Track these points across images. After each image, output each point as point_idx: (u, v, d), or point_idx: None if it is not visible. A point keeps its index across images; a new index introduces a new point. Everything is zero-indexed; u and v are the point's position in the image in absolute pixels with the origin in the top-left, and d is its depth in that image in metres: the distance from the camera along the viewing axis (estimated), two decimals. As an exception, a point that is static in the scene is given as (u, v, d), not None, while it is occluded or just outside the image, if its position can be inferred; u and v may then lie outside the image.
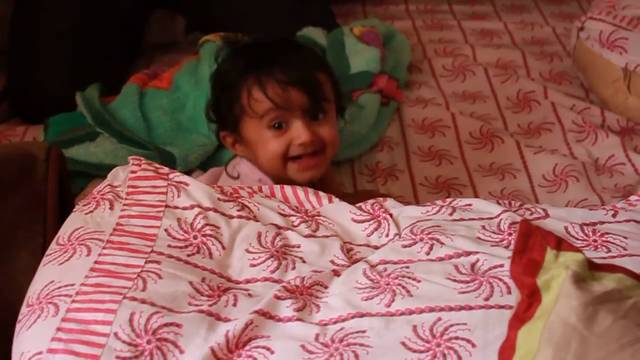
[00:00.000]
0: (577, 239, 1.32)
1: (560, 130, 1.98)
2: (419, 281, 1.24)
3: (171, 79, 1.99)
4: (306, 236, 1.37)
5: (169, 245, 1.31)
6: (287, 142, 1.54)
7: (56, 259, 1.28)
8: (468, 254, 1.28)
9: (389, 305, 1.21)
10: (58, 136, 1.92)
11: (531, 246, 1.07)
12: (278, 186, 1.47)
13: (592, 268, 1.05)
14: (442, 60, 2.26)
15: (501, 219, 1.36)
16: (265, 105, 1.53)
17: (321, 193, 1.47)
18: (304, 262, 1.33)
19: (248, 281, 1.30)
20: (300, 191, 1.46)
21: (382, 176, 1.89)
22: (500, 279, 1.23)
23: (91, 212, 1.36)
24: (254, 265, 1.32)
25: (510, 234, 1.32)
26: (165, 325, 1.18)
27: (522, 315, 1.05)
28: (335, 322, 1.20)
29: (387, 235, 1.39)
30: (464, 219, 1.38)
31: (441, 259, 1.29)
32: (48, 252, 1.31)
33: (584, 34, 2.11)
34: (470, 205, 1.42)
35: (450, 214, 1.39)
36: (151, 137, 1.90)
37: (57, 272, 1.26)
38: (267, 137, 1.55)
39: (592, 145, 1.94)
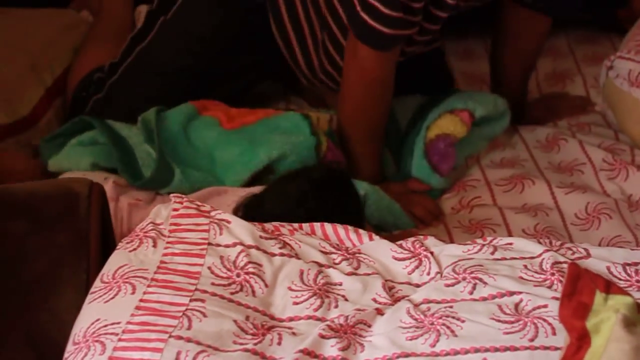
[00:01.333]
0: (620, 279, 1.32)
1: (592, 168, 1.99)
2: (463, 321, 1.24)
3: (241, 123, 1.94)
4: (348, 274, 1.38)
5: (213, 283, 1.32)
6: None
7: (101, 297, 1.29)
8: (511, 294, 1.29)
9: (433, 346, 1.21)
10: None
11: (580, 289, 1.07)
12: (318, 224, 1.48)
13: (642, 311, 1.06)
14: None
15: (543, 259, 1.36)
16: None
17: (361, 231, 1.48)
18: (346, 300, 1.34)
19: (291, 319, 1.30)
20: (340, 229, 1.47)
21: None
22: (544, 320, 1.23)
23: (135, 249, 1.37)
24: (297, 303, 1.32)
25: (552, 274, 1.33)
26: (212, 364, 1.18)
27: (571, 358, 1.06)
28: (380, 362, 1.21)
29: (428, 274, 1.39)
30: (505, 258, 1.38)
31: (485, 299, 1.29)
32: (93, 289, 1.32)
33: (613, 72, 2.11)
34: (511, 244, 1.42)
35: (492, 253, 1.40)
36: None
37: (103, 310, 1.27)
38: None
39: (624, 181, 1.94)
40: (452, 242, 1.80)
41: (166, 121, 1.93)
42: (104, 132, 1.93)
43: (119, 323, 1.23)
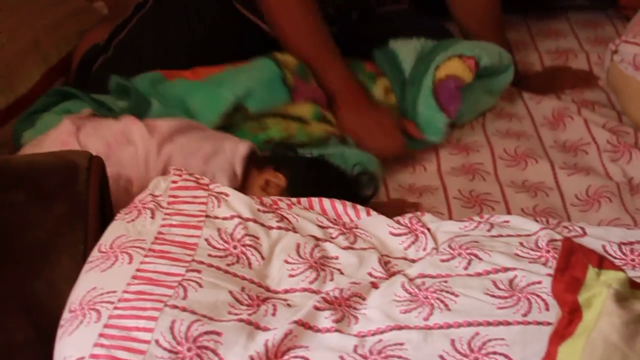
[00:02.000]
0: (616, 257, 1.33)
1: (596, 149, 1.99)
2: (457, 296, 1.25)
3: (207, 74, 1.94)
4: (344, 248, 1.39)
5: (210, 255, 1.32)
6: None
7: (98, 266, 1.30)
8: (506, 270, 1.29)
9: (427, 319, 1.22)
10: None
11: (573, 264, 1.07)
12: (316, 199, 1.49)
13: (634, 287, 1.06)
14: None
15: (539, 236, 1.37)
16: None
17: (359, 206, 1.48)
18: (342, 273, 1.34)
19: (287, 291, 1.31)
20: (338, 204, 1.48)
21: (416, 192, 1.90)
22: (538, 296, 1.23)
23: (133, 220, 1.38)
24: (293, 276, 1.33)
25: (548, 251, 1.33)
26: (206, 333, 1.19)
27: (562, 332, 1.06)
28: (373, 334, 1.21)
29: (424, 249, 1.40)
30: (502, 235, 1.39)
31: (479, 274, 1.30)
32: (90, 259, 1.33)
33: (617, 57, 2.11)
34: (508, 221, 1.43)
35: (488, 230, 1.40)
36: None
37: (100, 279, 1.27)
38: None
39: (627, 164, 1.94)
40: (450, 215, 1.81)
41: (137, 83, 1.94)
42: (85, 98, 1.93)
43: (115, 292, 1.24)
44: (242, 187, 1.68)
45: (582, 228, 1.40)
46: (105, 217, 1.49)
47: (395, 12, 2.33)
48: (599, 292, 1.05)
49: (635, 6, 2.34)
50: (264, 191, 1.67)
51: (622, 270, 1.07)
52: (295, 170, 1.70)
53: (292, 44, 2.00)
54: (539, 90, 2.25)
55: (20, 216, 1.43)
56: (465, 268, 1.31)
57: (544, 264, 1.31)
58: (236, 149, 1.71)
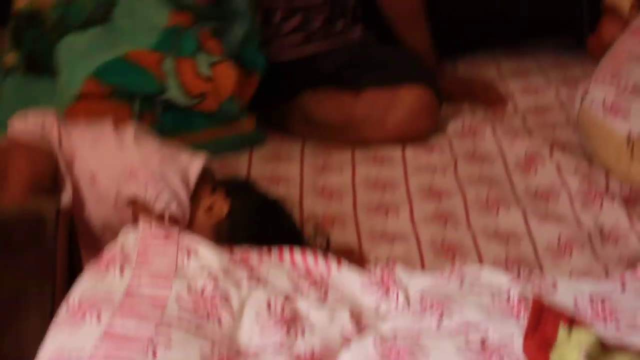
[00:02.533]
0: (587, 311, 1.32)
1: (567, 196, 1.99)
2: (429, 353, 1.24)
3: None
4: (315, 304, 1.38)
5: (179, 312, 1.31)
6: None
7: (66, 324, 1.28)
8: (478, 325, 1.29)
9: (399, 378, 1.21)
10: None
11: (544, 323, 1.07)
12: (287, 250, 1.48)
13: (604, 348, 1.06)
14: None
15: (510, 290, 1.36)
16: None
17: (330, 259, 1.47)
18: (313, 330, 1.33)
19: (257, 349, 1.30)
20: (309, 257, 1.47)
21: (388, 238, 1.90)
22: (509, 353, 1.23)
23: (101, 276, 1.37)
24: (264, 333, 1.32)
25: (519, 305, 1.32)
26: (175, 393, 1.17)
27: (534, 393, 1.06)
28: (345, 394, 1.20)
29: (395, 303, 1.39)
30: (473, 289, 1.38)
31: (451, 331, 1.29)
32: (57, 317, 1.31)
33: (587, 101, 2.13)
34: (479, 274, 1.42)
35: (460, 283, 1.40)
36: None
37: (68, 339, 1.25)
38: None
39: (598, 210, 1.94)
40: (423, 264, 1.81)
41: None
42: None
43: (83, 351, 1.22)
44: (192, 200, 1.71)
45: (553, 280, 1.40)
46: (74, 269, 1.48)
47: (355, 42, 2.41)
48: (570, 353, 1.05)
49: (603, 49, 2.36)
50: (206, 214, 1.69)
51: (592, 328, 1.07)
52: (243, 205, 1.70)
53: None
54: (449, 96, 2.39)
55: (-14, 271, 1.41)
56: (437, 323, 1.30)
57: (516, 318, 1.30)
58: (192, 160, 1.75)
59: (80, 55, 2.09)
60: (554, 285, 1.39)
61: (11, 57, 2.25)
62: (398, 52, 2.38)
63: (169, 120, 2.15)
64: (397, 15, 2.42)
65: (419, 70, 2.31)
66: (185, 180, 1.72)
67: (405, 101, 2.22)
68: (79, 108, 2.03)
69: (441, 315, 1.31)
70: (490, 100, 2.43)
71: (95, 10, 2.18)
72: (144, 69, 2.09)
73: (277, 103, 2.35)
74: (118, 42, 2.10)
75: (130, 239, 1.44)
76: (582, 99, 2.15)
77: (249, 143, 2.24)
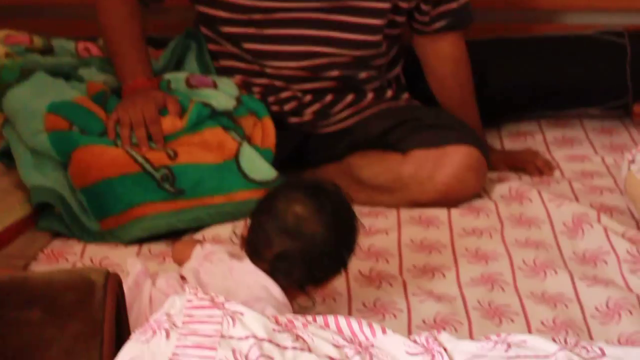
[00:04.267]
0: (635, 380, 1.31)
1: (615, 260, 1.98)
2: (475, 422, 1.23)
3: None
4: (360, 369, 1.37)
5: (224, 377, 1.31)
6: None
7: (113, 389, 1.29)
8: (524, 394, 1.28)
9: None
10: None
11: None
12: (332, 316, 1.48)
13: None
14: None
15: (557, 358, 1.35)
16: None
17: (375, 324, 1.47)
18: (358, 396, 1.33)
19: (302, 415, 1.30)
20: (354, 322, 1.47)
21: (434, 298, 1.89)
22: (557, 422, 1.21)
23: (147, 341, 1.38)
24: (309, 399, 1.32)
25: (566, 374, 1.31)
26: None
27: None
28: None
29: (441, 370, 1.38)
30: (519, 356, 1.37)
31: (497, 399, 1.28)
32: (104, 381, 1.32)
33: (634, 166, 2.12)
34: (525, 341, 1.41)
35: (506, 350, 1.38)
36: None
37: (114, 403, 1.26)
38: None
39: (647, 274, 1.93)
40: (470, 326, 1.80)
41: None
42: None
43: (129, 417, 1.23)
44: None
45: (600, 349, 1.38)
46: (122, 336, 1.49)
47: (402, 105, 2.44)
48: None
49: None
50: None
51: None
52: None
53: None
54: (496, 166, 2.41)
55: (36, 335, 1.42)
56: (483, 391, 1.29)
57: (563, 388, 1.29)
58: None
59: (29, 99, 2.24)
60: (602, 353, 1.37)
61: None
62: (444, 114, 2.39)
63: (209, 183, 2.19)
64: (447, 100, 2.44)
65: (467, 131, 2.32)
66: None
67: (453, 159, 2.23)
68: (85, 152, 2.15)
69: (487, 382, 1.31)
70: (537, 168, 2.42)
71: (25, 66, 2.33)
72: (92, 111, 2.23)
73: (312, 167, 2.38)
74: (62, 89, 2.28)
75: (176, 305, 1.45)
76: (630, 165, 2.14)
77: None
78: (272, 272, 1.70)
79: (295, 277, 1.69)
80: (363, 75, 2.36)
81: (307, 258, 1.68)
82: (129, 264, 1.77)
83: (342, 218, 1.73)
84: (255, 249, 1.72)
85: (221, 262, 1.77)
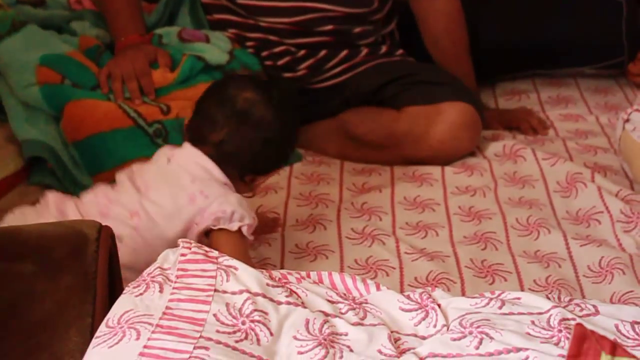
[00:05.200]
0: (629, 337, 1.30)
1: (609, 219, 1.98)
2: (468, 377, 1.23)
3: None
4: (354, 324, 1.37)
5: (218, 331, 1.31)
6: None
7: (105, 342, 1.28)
8: (518, 350, 1.27)
9: (437, 401, 1.20)
10: None
11: (585, 351, 1.06)
12: (326, 273, 1.47)
13: (648, 375, 1.04)
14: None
15: (551, 315, 1.35)
16: None
17: (369, 280, 1.47)
18: (351, 350, 1.33)
19: (296, 369, 1.29)
20: (348, 278, 1.47)
21: (427, 257, 1.89)
22: (550, 379, 1.21)
23: (141, 294, 1.37)
24: (302, 353, 1.31)
25: (560, 331, 1.31)
26: (213, 413, 1.17)
27: (575, 420, 1.04)
28: (383, 416, 1.20)
29: (434, 326, 1.38)
30: (513, 313, 1.37)
31: (490, 354, 1.28)
32: (97, 334, 1.31)
33: (629, 125, 2.11)
34: (519, 298, 1.41)
35: (500, 307, 1.38)
36: None
37: (107, 356, 1.26)
38: None
39: (640, 236, 1.93)
40: (462, 284, 1.80)
41: None
42: None
43: (121, 369, 1.23)
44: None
45: (594, 306, 1.38)
46: (114, 289, 1.48)
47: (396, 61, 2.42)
48: (612, 381, 1.03)
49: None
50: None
51: (636, 357, 1.05)
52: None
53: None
54: (490, 125, 2.40)
55: (28, 288, 1.42)
56: (477, 347, 1.29)
57: (556, 344, 1.28)
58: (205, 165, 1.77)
59: (21, 52, 2.21)
60: (596, 311, 1.37)
61: None
62: (439, 70, 2.38)
63: None
64: (441, 56, 2.42)
65: (461, 88, 2.30)
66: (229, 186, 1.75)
67: (448, 116, 2.22)
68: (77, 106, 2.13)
69: (481, 339, 1.30)
70: (531, 126, 2.42)
71: (17, 18, 2.29)
72: (84, 65, 2.21)
73: (306, 122, 2.37)
74: (54, 42, 2.26)
75: (170, 259, 1.44)
76: (624, 124, 2.13)
77: None
78: (216, 157, 1.74)
79: (238, 162, 1.74)
80: (357, 30, 2.34)
81: (252, 143, 1.73)
82: (46, 194, 1.82)
83: (289, 111, 1.77)
84: (199, 134, 1.76)
85: (160, 156, 1.81)
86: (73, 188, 2.10)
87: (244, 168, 1.75)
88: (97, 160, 2.11)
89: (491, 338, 1.31)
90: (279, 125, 1.74)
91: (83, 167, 2.13)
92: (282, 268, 1.83)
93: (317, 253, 1.91)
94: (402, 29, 2.51)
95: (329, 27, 2.31)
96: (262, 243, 1.95)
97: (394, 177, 2.21)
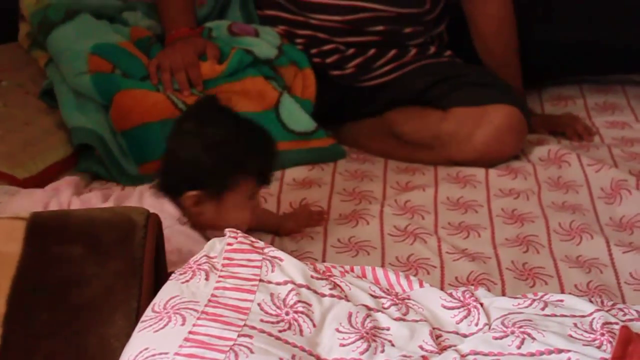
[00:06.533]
0: (672, 344, 1.31)
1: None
2: (509, 376, 1.24)
3: None
4: (396, 319, 1.38)
5: (262, 320, 1.33)
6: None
7: (151, 326, 1.31)
8: (559, 351, 1.28)
9: (478, 398, 1.21)
10: None
11: (630, 353, 1.06)
12: (369, 267, 1.49)
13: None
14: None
15: (594, 318, 1.35)
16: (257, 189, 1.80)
17: (412, 277, 1.48)
18: (393, 345, 1.34)
19: (337, 361, 1.31)
20: (391, 274, 1.48)
21: (469, 257, 1.89)
22: (592, 381, 1.22)
23: (187, 281, 1.39)
24: (344, 345, 1.33)
25: (602, 334, 1.31)
26: (256, 401, 1.19)
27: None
28: (423, 411, 1.21)
29: (476, 325, 1.39)
30: (555, 315, 1.37)
31: (532, 355, 1.28)
32: (143, 318, 1.34)
33: None
34: (562, 301, 1.41)
35: (542, 309, 1.39)
36: None
37: (152, 340, 1.28)
38: (247, 206, 1.77)
39: (684, 244, 1.92)
40: (503, 286, 1.81)
41: None
42: None
43: (167, 354, 1.25)
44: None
45: (637, 311, 1.38)
46: (159, 276, 1.51)
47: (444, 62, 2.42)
48: (655, 384, 1.04)
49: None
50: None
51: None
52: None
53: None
54: (536, 129, 2.39)
55: (77, 271, 1.44)
56: (518, 347, 1.30)
57: (598, 347, 1.29)
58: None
59: (74, 40, 2.25)
60: (639, 316, 1.37)
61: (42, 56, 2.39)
62: (487, 72, 2.38)
63: None
64: (490, 59, 2.42)
65: (509, 90, 2.30)
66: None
67: (494, 119, 2.22)
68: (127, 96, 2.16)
69: (523, 339, 1.31)
70: (576, 132, 2.41)
71: (70, 7, 2.34)
72: (135, 55, 2.24)
73: (352, 120, 2.38)
74: (106, 32, 2.31)
75: (216, 248, 1.46)
76: None
77: (328, 157, 2.26)
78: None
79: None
80: (408, 30, 2.35)
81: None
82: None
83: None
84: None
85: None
86: (119, 176, 2.13)
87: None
88: (144, 150, 2.14)
89: (533, 338, 1.31)
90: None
91: (130, 156, 2.15)
92: (323, 262, 1.84)
93: (359, 248, 1.92)
94: (450, 30, 2.51)
95: (380, 27, 2.32)
96: (305, 236, 1.96)
97: (437, 177, 2.22)
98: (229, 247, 1.45)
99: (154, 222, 1.52)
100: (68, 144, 2.17)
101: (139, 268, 1.45)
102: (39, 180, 2.03)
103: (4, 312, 1.38)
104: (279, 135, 2.19)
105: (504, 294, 1.79)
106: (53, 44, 2.28)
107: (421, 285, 1.46)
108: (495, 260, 1.90)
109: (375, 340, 1.34)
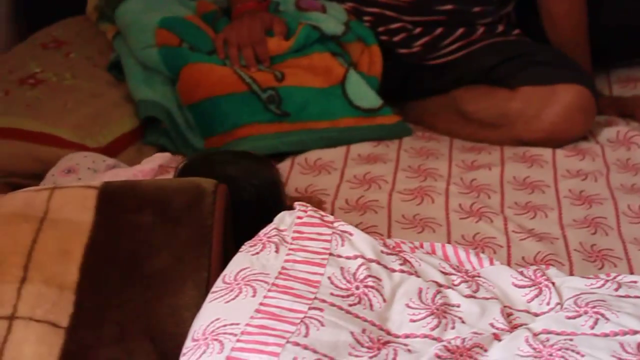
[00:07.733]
0: None
1: None
2: (582, 355, 1.22)
3: None
4: (466, 296, 1.37)
5: (332, 294, 1.32)
6: None
7: (222, 297, 1.31)
8: (634, 332, 1.26)
9: (550, 377, 1.20)
10: None
11: None
12: (439, 244, 1.48)
13: None
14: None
15: (669, 300, 1.33)
16: None
17: (482, 254, 1.47)
18: (463, 322, 1.33)
19: (407, 336, 1.30)
20: (461, 251, 1.47)
21: (536, 237, 1.87)
22: (668, 362, 1.20)
23: (257, 253, 1.39)
24: (414, 321, 1.32)
25: (678, 316, 1.29)
26: (326, 373, 1.19)
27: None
28: (495, 388, 1.20)
29: (548, 304, 1.37)
30: (629, 296, 1.35)
31: (606, 335, 1.27)
32: (214, 289, 1.34)
33: None
34: (635, 282, 1.39)
35: (616, 290, 1.37)
36: None
37: (223, 310, 1.28)
38: None
39: None
40: (571, 267, 1.79)
41: None
42: None
43: (238, 324, 1.25)
44: None
45: None
46: (228, 246, 1.51)
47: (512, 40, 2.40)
48: None
49: None
50: None
51: None
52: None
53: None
54: (604, 111, 2.34)
55: (147, 239, 1.45)
56: (592, 327, 1.28)
57: (674, 329, 1.27)
58: None
59: (141, 13, 2.27)
60: None
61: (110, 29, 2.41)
62: (556, 52, 2.35)
63: (314, 107, 2.19)
64: (559, 40, 2.39)
65: (578, 70, 2.27)
66: None
67: (563, 98, 2.19)
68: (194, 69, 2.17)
69: (596, 319, 1.29)
70: None
71: None
72: (202, 29, 2.24)
73: (417, 98, 2.36)
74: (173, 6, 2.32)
75: (286, 221, 1.46)
76: None
77: (393, 134, 2.25)
78: None
79: None
80: (477, 9, 2.32)
81: None
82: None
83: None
84: None
85: None
86: (185, 149, 2.14)
87: None
88: (210, 124, 2.14)
89: (607, 319, 1.29)
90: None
91: (196, 130, 2.16)
92: (389, 237, 1.84)
93: (424, 225, 1.91)
94: (518, 10, 2.48)
95: (449, 6, 2.30)
96: (368, 209, 1.96)
97: (503, 157, 2.19)
98: (299, 221, 1.45)
99: (222, 190, 1.52)
100: (135, 116, 2.19)
101: (208, 236, 1.45)
102: (107, 152, 2.04)
103: (76, 280, 1.39)
104: (345, 111, 2.18)
105: (572, 275, 1.77)
106: (121, 17, 2.29)
107: (491, 263, 1.45)
108: (562, 241, 1.88)
109: (445, 317, 1.33)
